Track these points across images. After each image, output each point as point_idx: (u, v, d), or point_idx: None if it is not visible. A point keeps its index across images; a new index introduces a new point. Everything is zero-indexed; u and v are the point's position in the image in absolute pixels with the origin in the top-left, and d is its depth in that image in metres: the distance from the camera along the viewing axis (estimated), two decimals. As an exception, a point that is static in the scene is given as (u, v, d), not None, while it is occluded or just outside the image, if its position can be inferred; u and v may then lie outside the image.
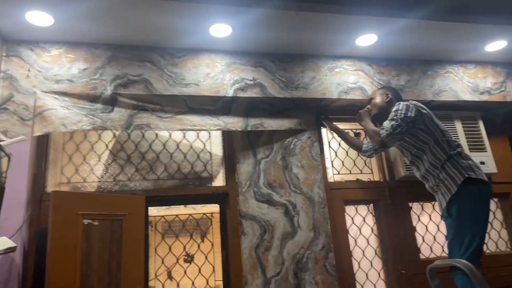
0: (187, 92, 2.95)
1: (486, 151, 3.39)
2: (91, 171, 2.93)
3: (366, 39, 3.14)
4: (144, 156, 3.07)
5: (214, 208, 3.13)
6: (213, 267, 3.02)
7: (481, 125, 3.51)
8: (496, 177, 3.44)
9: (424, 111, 2.45)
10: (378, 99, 2.79)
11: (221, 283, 2.87)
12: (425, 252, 3.27)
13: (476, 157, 3.23)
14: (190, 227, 3.13)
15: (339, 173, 3.43)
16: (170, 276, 3.06)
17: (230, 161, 3.11)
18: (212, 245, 3.13)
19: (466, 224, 2.19)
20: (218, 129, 3.04)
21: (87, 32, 2.78)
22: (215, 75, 3.06)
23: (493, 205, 3.53)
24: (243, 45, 3.10)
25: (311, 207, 3.02)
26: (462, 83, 3.51)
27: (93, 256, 2.32)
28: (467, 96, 3.46)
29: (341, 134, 3.15)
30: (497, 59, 3.61)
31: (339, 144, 3.51)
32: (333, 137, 3.44)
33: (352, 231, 3.24)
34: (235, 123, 3.08)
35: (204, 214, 3.10)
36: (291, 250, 2.87)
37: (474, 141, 3.41)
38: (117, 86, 2.82)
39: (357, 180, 3.42)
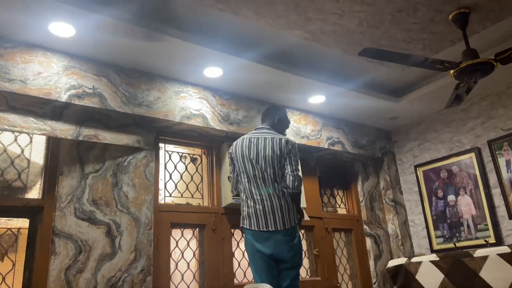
0: (9, 88, 2.59)
1: (300, 188, 3.91)
2: None
3: (213, 71, 3.33)
4: None
5: (23, 223, 2.75)
6: (10, 291, 2.63)
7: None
8: (305, 212, 3.98)
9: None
10: None
11: (17, 309, 2.52)
12: (239, 277, 3.52)
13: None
14: (-12, 243, 2.67)
15: (170, 196, 3.46)
16: None
17: (51, 172, 2.82)
18: (14, 264, 2.73)
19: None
20: (43, 134, 2.73)
21: None
22: (49, 75, 2.78)
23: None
24: (87, 51, 2.91)
25: (136, 228, 2.95)
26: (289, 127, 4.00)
27: None
28: (292, 138, 3.95)
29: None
30: (317, 111, 4.27)
31: (175, 167, 3.56)
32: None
33: (175, 254, 3.27)
34: (65, 130, 2.82)
35: (9, 229, 2.69)
36: (107, 272, 2.73)
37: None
38: None
39: (187, 204, 3.50)
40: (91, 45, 2.85)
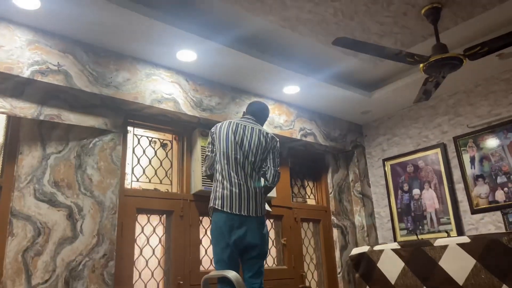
0: (-34, 60, 2.44)
1: (270, 178, 3.90)
2: None
3: (187, 55, 3.26)
4: None
5: (-22, 202, 2.63)
6: (-38, 273, 2.51)
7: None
8: (275, 201, 3.99)
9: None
10: None
11: (-32, 292, 2.41)
12: (205, 264, 3.50)
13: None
14: None
15: (138, 180, 3.39)
16: None
17: (10, 151, 2.69)
18: (-33, 246, 2.61)
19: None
20: (1, 113, 2.60)
21: None
22: (11, 49, 2.64)
23: (268, 225, 4.05)
24: (53, 25, 2.79)
25: (100, 212, 2.87)
26: (261, 116, 3.98)
27: None
28: (264, 127, 3.93)
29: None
30: (291, 101, 4.26)
31: (144, 152, 3.48)
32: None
33: (140, 240, 3.21)
34: (25, 108, 2.70)
35: (-38, 208, 2.57)
36: (66, 256, 2.64)
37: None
38: None
39: (155, 189, 3.43)
40: (57, 19, 2.73)
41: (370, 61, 3.60)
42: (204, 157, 2.80)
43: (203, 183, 3.42)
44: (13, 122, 2.76)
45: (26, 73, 2.66)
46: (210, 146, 2.73)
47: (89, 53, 3.00)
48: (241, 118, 2.84)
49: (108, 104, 3.11)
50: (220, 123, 2.75)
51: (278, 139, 2.80)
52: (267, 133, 2.75)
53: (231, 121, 2.74)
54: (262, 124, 2.90)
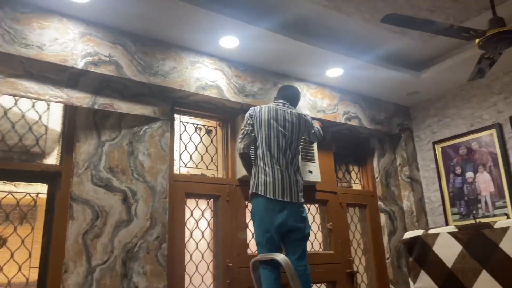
0: (26, 53, 2.59)
1: (315, 162, 3.87)
2: None
3: (229, 41, 3.27)
4: (-42, 118, 2.57)
5: (41, 188, 2.80)
6: (30, 253, 2.70)
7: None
8: (320, 186, 3.96)
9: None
10: None
11: (37, 270, 2.58)
12: (252, 248, 3.54)
13: (307, 166, 3.68)
14: (7, 207, 2.73)
15: (185, 166, 3.47)
16: (-29, 261, 2.61)
17: (68, 139, 2.84)
18: (32, 228, 2.79)
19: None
20: (59, 102, 2.74)
21: None
22: (65, 42, 2.77)
23: (313, 210, 4.04)
24: (103, 17, 2.89)
25: (152, 196, 2.98)
26: (305, 100, 3.94)
27: None
28: (307, 112, 3.90)
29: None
30: (334, 84, 4.18)
31: (190, 138, 3.55)
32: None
33: (190, 223, 3.30)
34: (80, 98, 2.83)
35: (28, 193, 2.74)
36: (123, 238, 2.77)
37: (307, 152, 3.85)
38: None
39: (202, 175, 3.51)
40: (107, 11, 2.82)
41: (419, 38, 3.45)
42: (242, 135, 2.75)
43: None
44: (69, 111, 2.91)
45: (80, 65, 2.78)
46: (249, 127, 2.73)
47: (137, 44, 3.09)
48: (275, 102, 2.84)
49: (156, 93, 3.20)
50: (258, 107, 2.77)
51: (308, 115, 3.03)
52: (300, 114, 2.87)
53: (269, 106, 2.75)
54: (295, 107, 2.94)
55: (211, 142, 3.69)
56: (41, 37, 2.67)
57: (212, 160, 3.64)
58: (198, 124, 3.67)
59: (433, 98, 4.65)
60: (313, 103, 4.01)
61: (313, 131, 3.00)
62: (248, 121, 2.74)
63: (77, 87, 2.84)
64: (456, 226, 2.13)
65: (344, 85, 4.22)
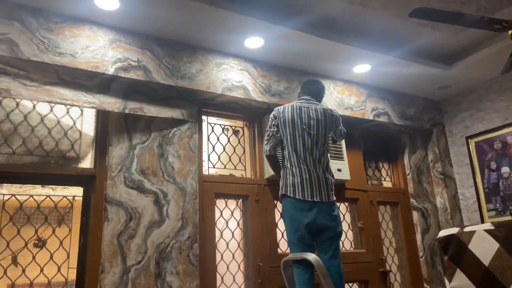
0: (60, 61, 2.69)
1: (343, 160, 3.83)
2: None
3: (254, 42, 3.29)
4: (-1, 125, 2.70)
5: (77, 191, 2.91)
6: (68, 254, 2.81)
7: (343, 136, 3.94)
8: (349, 184, 3.92)
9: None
10: None
11: (75, 270, 2.68)
12: (282, 247, 3.55)
13: (335, 164, 3.64)
14: (46, 210, 2.85)
15: (214, 167, 3.51)
16: (14, 261, 2.74)
17: (101, 143, 2.94)
18: (70, 230, 2.91)
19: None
20: (92, 107, 2.84)
21: None
22: (96, 49, 2.86)
23: (343, 208, 4.00)
24: (131, 24, 2.96)
25: (182, 197, 3.03)
26: (331, 97, 3.91)
27: None
28: (334, 107, 3.85)
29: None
30: (362, 81, 4.12)
31: (218, 139, 3.59)
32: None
33: (220, 223, 3.34)
34: (112, 103, 2.91)
35: (65, 196, 2.85)
36: (156, 239, 2.84)
37: (335, 150, 3.82)
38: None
39: (230, 175, 3.54)
40: (134, 18, 2.90)
41: (448, 31, 3.35)
42: (267, 137, 2.73)
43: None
44: (102, 116, 3.00)
45: (110, 70, 2.86)
46: (274, 128, 2.71)
47: (164, 48, 3.15)
48: (299, 99, 2.78)
49: (183, 95, 3.25)
50: (282, 107, 2.72)
51: (335, 109, 2.89)
52: (325, 109, 2.76)
53: (292, 105, 2.70)
54: (320, 102, 2.86)
55: (239, 142, 3.72)
56: (73, 45, 2.77)
57: (240, 160, 3.67)
58: (225, 125, 3.70)
59: (465, 92, 4.50)
60: (340, 100, 3.97)
61: (340, 127, 2.87)
62: (273, 122, 2.72)
63: (108, 92, 2.93)
64: (493, 223, 2.06)
65: (372, 81, 4.15)
